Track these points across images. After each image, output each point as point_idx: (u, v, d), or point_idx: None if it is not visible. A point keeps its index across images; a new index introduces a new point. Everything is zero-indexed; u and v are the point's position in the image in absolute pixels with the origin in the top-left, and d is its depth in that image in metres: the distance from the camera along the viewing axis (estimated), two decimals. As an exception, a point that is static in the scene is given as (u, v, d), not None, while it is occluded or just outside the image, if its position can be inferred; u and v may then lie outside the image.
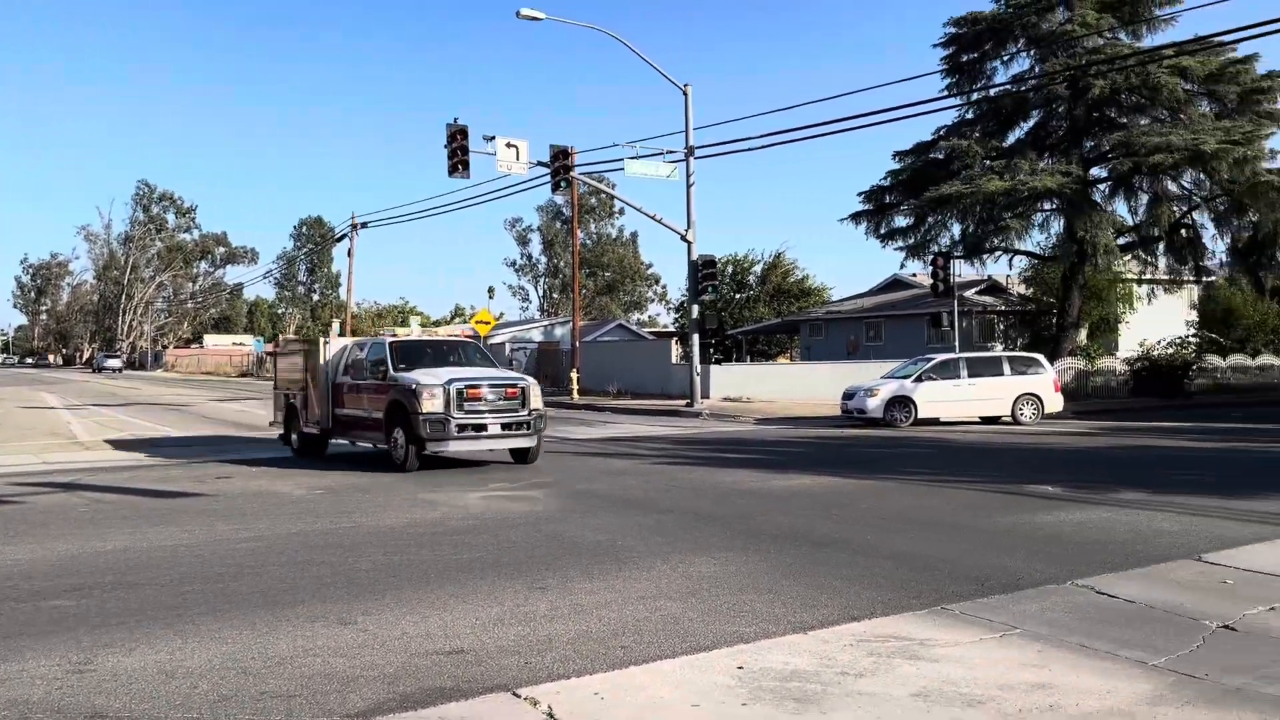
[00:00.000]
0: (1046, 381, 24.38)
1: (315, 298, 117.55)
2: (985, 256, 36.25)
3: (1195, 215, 34.43)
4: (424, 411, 13.70)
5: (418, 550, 8.42)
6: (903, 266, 42.13)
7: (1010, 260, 37.40)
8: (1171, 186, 33.82)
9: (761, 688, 4.74)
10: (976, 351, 29.42)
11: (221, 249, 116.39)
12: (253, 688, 4.89)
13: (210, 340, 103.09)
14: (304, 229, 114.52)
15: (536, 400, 14.66)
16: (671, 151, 28.13)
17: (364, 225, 52.53)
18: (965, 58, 35.68)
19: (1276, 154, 32.68)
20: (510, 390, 14.41)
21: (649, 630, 5.84)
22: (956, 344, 30.20)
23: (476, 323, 37.77)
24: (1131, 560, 7.56)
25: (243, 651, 5.49)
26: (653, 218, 28.83)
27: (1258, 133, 31.22)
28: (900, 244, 37.53)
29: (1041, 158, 34.38)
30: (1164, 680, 4.81)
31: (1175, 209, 33.81)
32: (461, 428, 13.84)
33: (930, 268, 32.51)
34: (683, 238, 28.53)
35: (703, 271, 28.41)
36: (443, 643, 5.62)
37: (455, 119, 24.68)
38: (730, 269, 56.51)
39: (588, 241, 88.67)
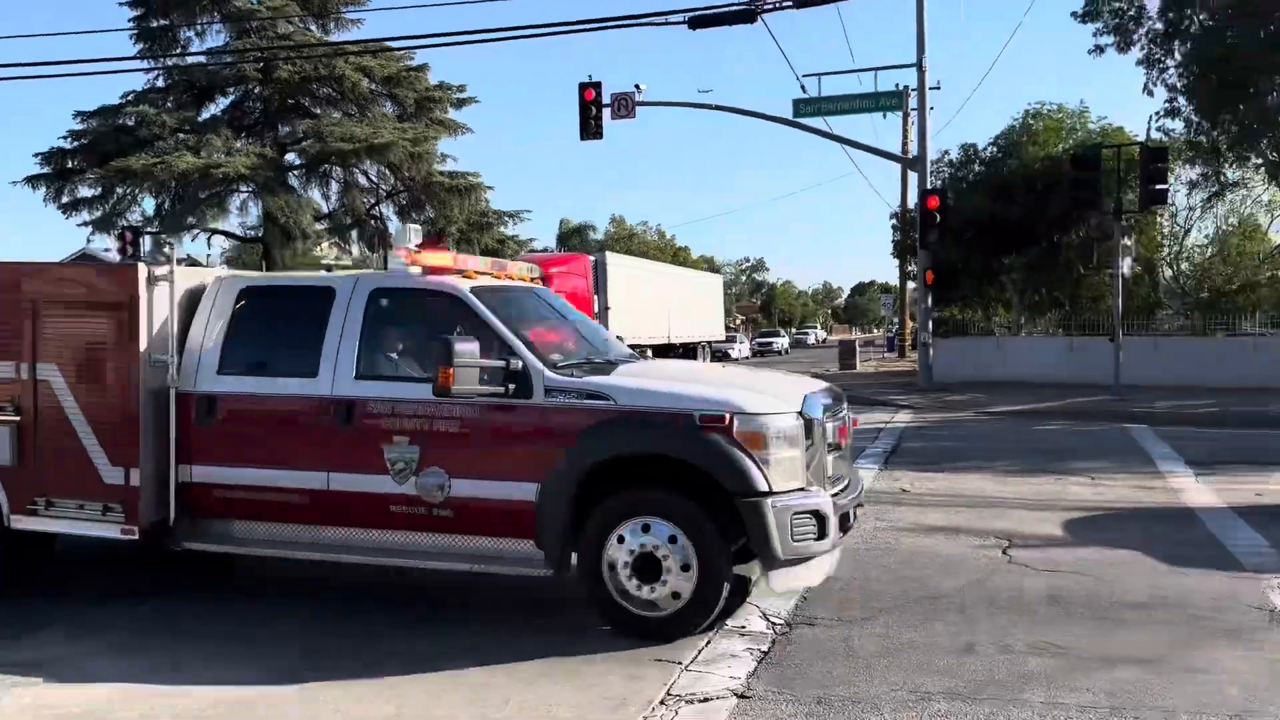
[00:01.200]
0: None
1: None
2: (187, 235, 34.83)
3: (383, 207, 37.51)
4: (779, 487, 5.67)
5: None
6: (89, 241, 37.81)
7: (209, 239, 36.52)
8: (362, 180, 36.32)
9: None
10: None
11: None
12: None
13: None
14: None
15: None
16: None
17: None
18: (156, 23, 33.54)
19: (447, 158, 37.25)
20: (854, 419, 7.09)
21: None
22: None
23: None
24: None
25: None
26: None
27: (431, 136, 35.22)
28: (87, 216, 33.96)
29: (239, 137, 34.03)
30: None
31: (365, 200, 36.40)
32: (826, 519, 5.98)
33: (120, 243, 29.88)
34: None
35: None
36: None
37: None
38: None
39: None
